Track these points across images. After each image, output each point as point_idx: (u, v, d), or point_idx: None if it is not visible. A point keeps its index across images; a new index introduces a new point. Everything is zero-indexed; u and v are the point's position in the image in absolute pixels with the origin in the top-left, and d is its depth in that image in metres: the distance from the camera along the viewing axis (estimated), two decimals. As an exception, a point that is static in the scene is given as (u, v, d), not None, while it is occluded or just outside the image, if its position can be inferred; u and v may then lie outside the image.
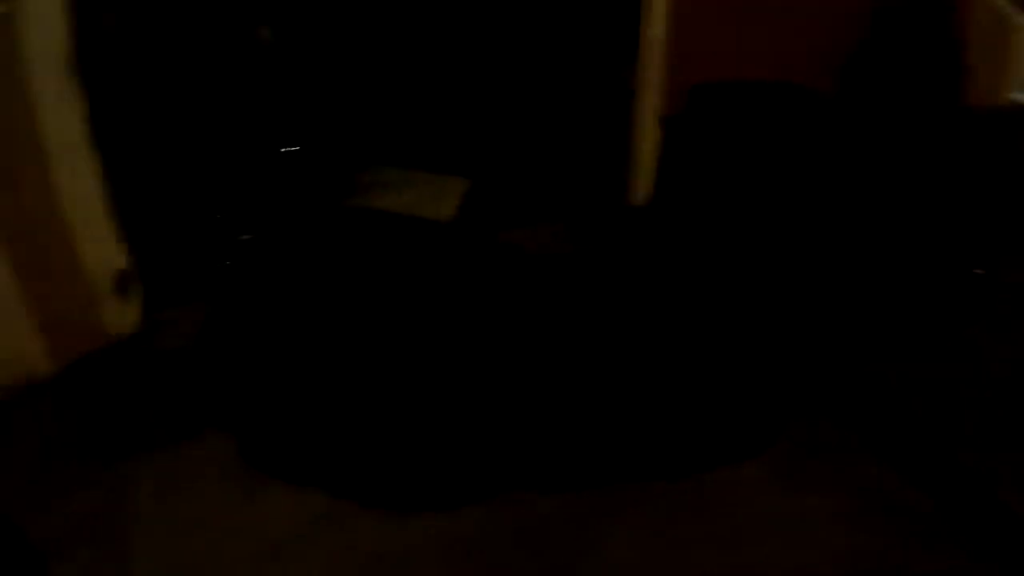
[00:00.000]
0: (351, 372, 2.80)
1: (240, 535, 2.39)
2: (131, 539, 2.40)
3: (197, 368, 3.01)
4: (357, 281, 2.93)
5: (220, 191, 3.23)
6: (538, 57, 3.66)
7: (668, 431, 2.62)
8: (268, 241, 3.15)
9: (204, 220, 3.27)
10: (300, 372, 2.84)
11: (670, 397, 2.72)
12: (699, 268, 3.03)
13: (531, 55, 3.66)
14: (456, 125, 3.57)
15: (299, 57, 3.29)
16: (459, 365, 2.81)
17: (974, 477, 2.42)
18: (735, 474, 2.54)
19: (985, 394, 2.75)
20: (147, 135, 3.23)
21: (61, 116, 2.91)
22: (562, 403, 2.70)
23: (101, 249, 3.08)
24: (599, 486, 2.47)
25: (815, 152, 3.02)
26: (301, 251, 3.05)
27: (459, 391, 2.76)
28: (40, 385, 3.01)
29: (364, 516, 2.43)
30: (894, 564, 2.26)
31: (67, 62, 2.84)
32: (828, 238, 2.92)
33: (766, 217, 3.00)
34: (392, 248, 2.93)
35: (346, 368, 2.81)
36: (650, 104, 3.81)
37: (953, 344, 2.97)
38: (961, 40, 3.42)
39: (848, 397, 2.74)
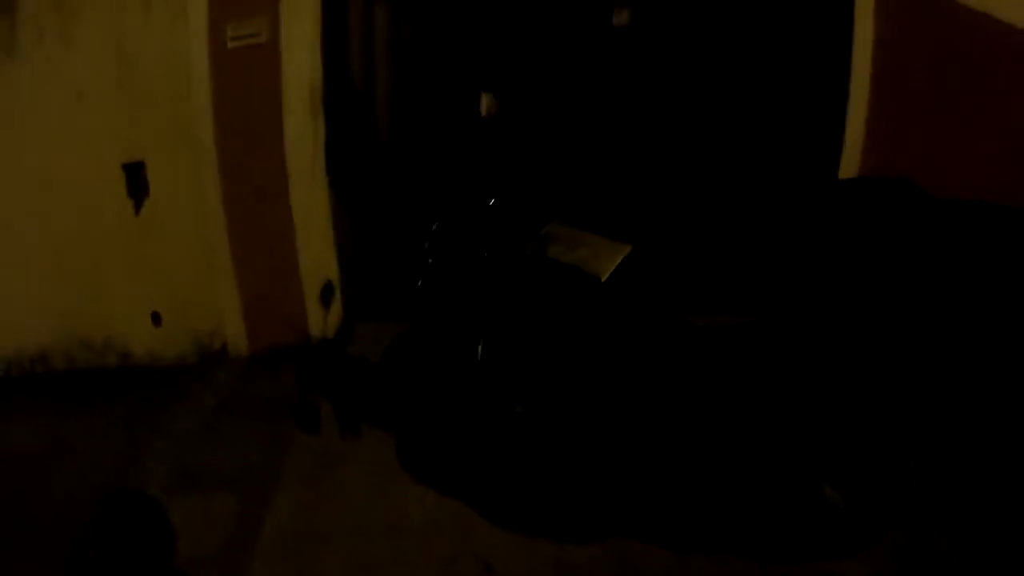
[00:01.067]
0: (505, 402, 2.95)
1: (369, 512, 2.59)
2: (271, 492, 2.68)
3: (379, 377, 3.29)
4: (528, 321, 3.12)
5: (430, 226, 3.57)
6: (741, 143, 3.71)
7: (787, 514, 2.53)
8: (458, 275, 3.42)
9: (410, 248, 3.61)
10: (464, 396, 3.03)
11: (795, 480, 2.64)
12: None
13: (734, 142, 3.72)
14: (652, 197, 3.69)
15: (515, 126, 3.62)
16: (606, 414, 2.88)
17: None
18: (835, 567, 2.37)
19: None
20: (377, 169, 3.64)
21: (305, 141, 3.36)
22: (689, 464, 2.69)
23: (316, 259, 3.49)
24: (708, 552, 2.43)
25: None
26: (484, 288, 3.30)
27: (598, 435, 2.82)
28: (232, 360, 3.43)
29: (487, 530, 2.54)
30: None
31: (315, 93, 3.29)
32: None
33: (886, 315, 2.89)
34: (563, 298, 3.11)
35: (502, 398, 2.97)
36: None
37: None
38: None
39: (953, 503, 2.55)
